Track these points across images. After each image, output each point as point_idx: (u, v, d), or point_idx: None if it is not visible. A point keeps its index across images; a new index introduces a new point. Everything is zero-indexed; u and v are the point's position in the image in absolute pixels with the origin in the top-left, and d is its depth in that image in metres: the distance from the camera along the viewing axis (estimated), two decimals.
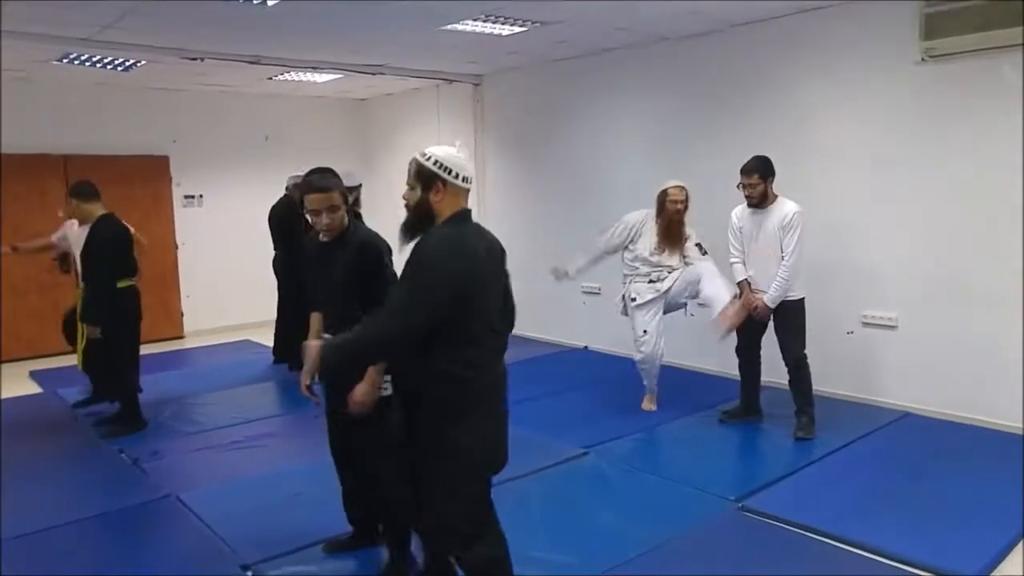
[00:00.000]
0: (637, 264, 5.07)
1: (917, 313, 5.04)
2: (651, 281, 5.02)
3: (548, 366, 6.67)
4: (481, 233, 2.48)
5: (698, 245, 5.01)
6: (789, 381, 4.69)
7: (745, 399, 4.97)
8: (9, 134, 7.40)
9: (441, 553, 2.53)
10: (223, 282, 8.75)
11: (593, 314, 7.20)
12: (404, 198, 2.47)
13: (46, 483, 4.35)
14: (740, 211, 4.71)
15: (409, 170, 2.45)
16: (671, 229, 4.97)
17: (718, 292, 4.81)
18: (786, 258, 4.45)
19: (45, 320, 7.59)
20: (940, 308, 4.94)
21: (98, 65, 6.70)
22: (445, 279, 2.26)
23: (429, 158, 2.41)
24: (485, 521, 2.49)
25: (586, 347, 7.30)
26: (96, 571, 3.31)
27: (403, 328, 2.25)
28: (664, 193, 4.98)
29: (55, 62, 6.52)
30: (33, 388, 6.60)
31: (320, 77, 7.84)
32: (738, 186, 4.58)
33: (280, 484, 4.13)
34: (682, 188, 4.97)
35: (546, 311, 7.46)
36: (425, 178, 2.40)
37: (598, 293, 7.13)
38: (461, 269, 2.29)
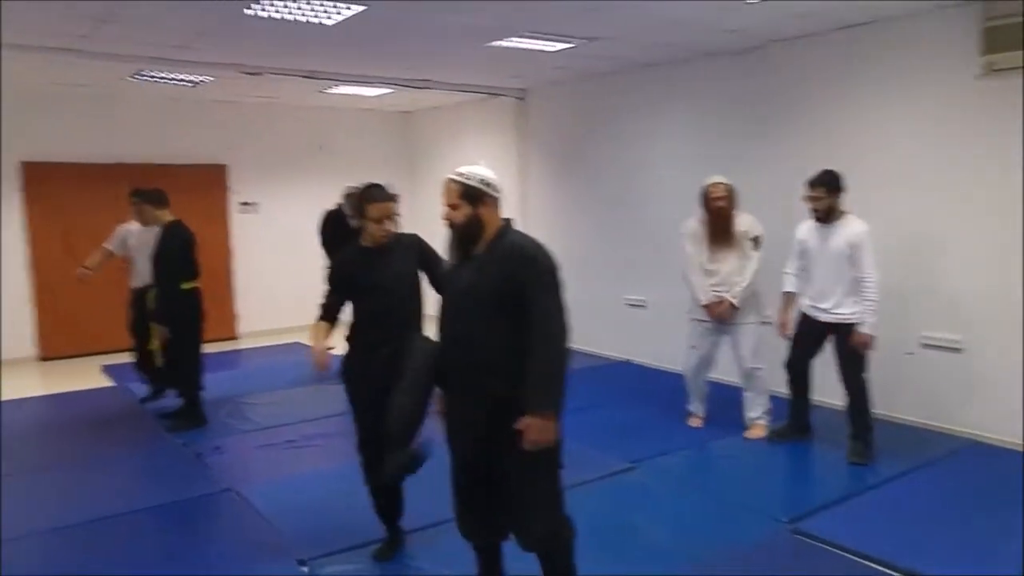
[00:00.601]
0: (708, 276, 5.01)
1: (983, 335, 4.89)
2: (717, 295, 4.95)
3: (590, 379, 6.64)
4: None
5: (753, 239, 4.91)
6: (847, 404, 4.59)
7: (794, 417, 4.89)
8: (87, 146, 7.96)
9: (558, 537, 2.75)
10: (275, 286, 9.09)
11: (637, 327, 7.23)
12: (448, 218, 2.68)
13: (116, 472, 4.67)
14: (806, 227, 4.67)
15: (449, 191, 2.67)
16: (717, 226, 4.94)
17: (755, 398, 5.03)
18: (868, 279, 4.37)
19: (117, 317, 8.04)
20: (1007, 330, 4.77)
21: (167, 81, 7.07)
22: None
23: (471, 177, 2.66)
24: None
25: (629, 360, 7.31)
26: (162, 557, 3.57)
27: (569, 327, 2.58)
28: (705, 191, 4.99)
29: (129, 78, 6.92)
30: (105, 382, 7.01)
31: (369, 91, 8.10)
32: (804, 198, 4.57)
33: (334, 482, 4.32)
34: (722, 184, 4.93)
35: (587, 323, 7.45)
36: (473, 196, 2.64)
37: (643, 306, 7.18)
38: None
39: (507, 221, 2.72)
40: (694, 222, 5.08)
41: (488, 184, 2.66)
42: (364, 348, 3.31)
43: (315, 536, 3.66)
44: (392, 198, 3.31)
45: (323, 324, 3.40)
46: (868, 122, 5.40)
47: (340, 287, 3.37)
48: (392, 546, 3.50)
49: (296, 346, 8.36)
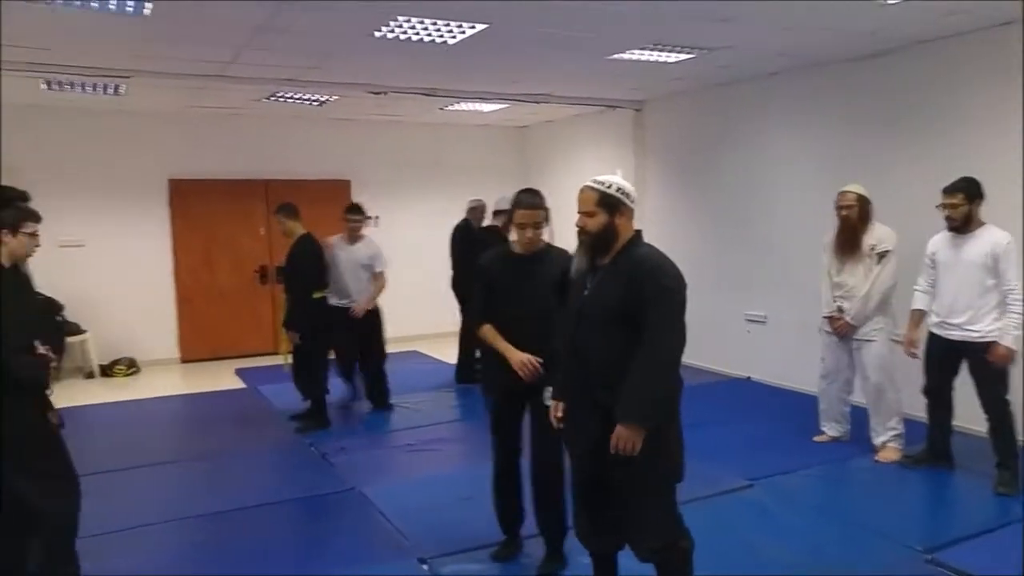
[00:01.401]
0: (834, 289, 4.89)
1: None
2: (839, 309, 4.82)
3: (708, 395, 6.49)
4: None
5: (880, 254, 4.67)
6: (988, 429, 4.30)
7: (932, 444, 4.58)
8: (223, 162, 8.55)
9: (676, 547, 2.71)
10: (393, 296, 9.37)
11: (757, 343, 7.04)
12: (581, 224, 2.67)
13: (249, 467, 4.97)
14: (938, 239, 4.43)
15: (585, 198, 2.67)
16: (841, 236, 4.80)
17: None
18: (1014, 291, 4.07)
19: (247, 323, 8.63)
20: None
21: (298, 101, 7.51)
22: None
23: (611, 186, 2.66)
24: None
25: (749, 377, 7.11)
26: (291, 549, 3.77)
27: (684, 344, 2.56)
28: (835, 200, 4.86)
29: (264, 100, 7.39)
30: (237, 383, 7.47)
31: (487, 106, 8.29)
32: (938, 207, 4.32)
33: (452, 486, 4.43)
34: (851, 193, 4.75)
35: (706, 338, 7.30)
36: (610, 205, 2.64)
37: (763, 322, 6.98)
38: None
39: (638, 233, 2.71)
40: (831, 232, 4.94)
41: (626, 194, 2.66)
42: (499, 356, 3.31)
43: (435, 536, 3.76)
44: (536, 206, 3.24)
45: (489, 327, 3.36)
46: (1011, 128, 5.00)
47: (485, 289, 3.40)
48: (510, 548, 3.55)
49: (413, 354, 8.61)
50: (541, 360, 3.15)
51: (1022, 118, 4.85)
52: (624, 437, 2.51)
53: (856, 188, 4.80)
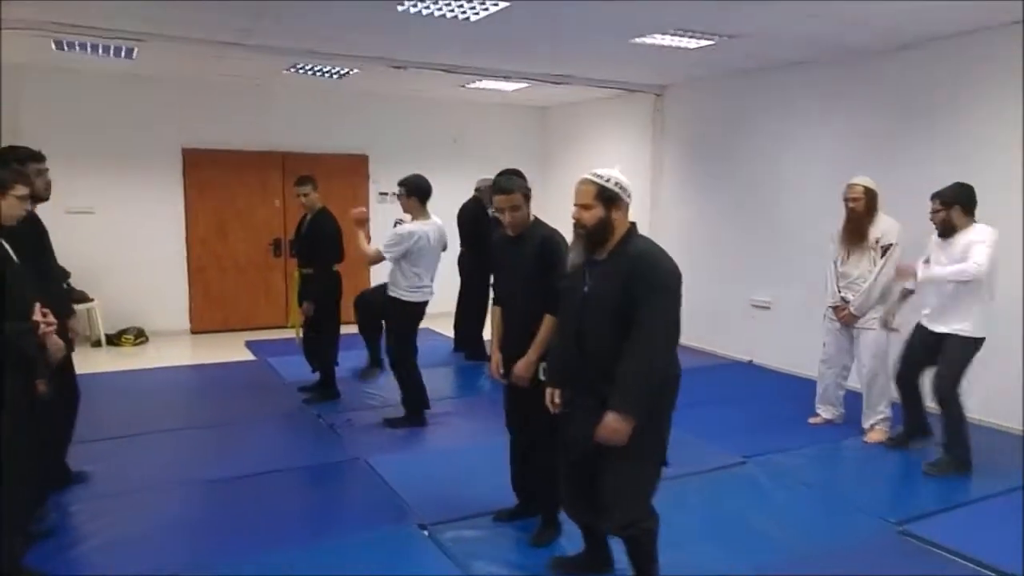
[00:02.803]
0: (839, 279, 4.98)
1: None
2: (843, 299, 4.92)
3: (709, 377, 6.61)
4: None
5: (884, 247, 4.75)
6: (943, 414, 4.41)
7: (909, 424, 4.77)
8: (240, 133, 8.52)
9: (637, 526, 2.72)
10: None
11: (761, 328, 7.10)
12: (578, 218, 2.68)
13: (257, 436, 5.00)
14: (934, 239, 4.49)
15: (584, 191, 2.67)
16: (847, 227, 4.89)
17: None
18: (977, 262, 4.08)
19: (259, 295, 8.67)
20: None
21: (319, 74, 7.51)
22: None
23: (609, 180, 2.66)
24: None
25: (751, 361, 7.21)
26: (296, 513, 3.85)
27: (677, 338, 2.57)
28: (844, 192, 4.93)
29: (285, 71, 7.40)
30: (247, 355, 7.50)
31: (508, 85, 8.26)
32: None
33: (456, 458, 4.50)
34: (858, 185, 4.83)
35: (710, 322, 7.40)
36: (607, 199, 2.64)
37: (767, 308, 7.02)
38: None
39: (633, 226, 2.71)
40: (839, 222, 5.00)
41: (623, 188, 2.67)
42: (503, 339, 3.45)
43: (436, 505, 3.83)
44: (509, 190, 3.27)
45: (496, 310, 3.53)
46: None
47: (493, 270, 3.54)
48: (518, 513, 3.62)
49: (425, 331, 8.60)
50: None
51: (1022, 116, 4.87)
52: (611, 428, 2.54)
53: (864, 181, 4.86)
